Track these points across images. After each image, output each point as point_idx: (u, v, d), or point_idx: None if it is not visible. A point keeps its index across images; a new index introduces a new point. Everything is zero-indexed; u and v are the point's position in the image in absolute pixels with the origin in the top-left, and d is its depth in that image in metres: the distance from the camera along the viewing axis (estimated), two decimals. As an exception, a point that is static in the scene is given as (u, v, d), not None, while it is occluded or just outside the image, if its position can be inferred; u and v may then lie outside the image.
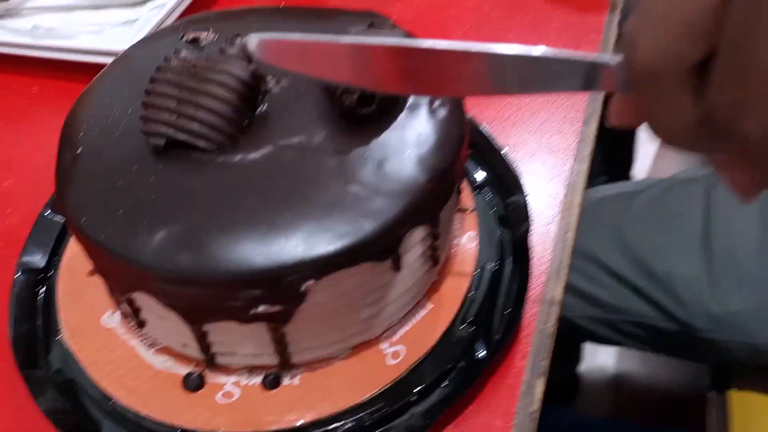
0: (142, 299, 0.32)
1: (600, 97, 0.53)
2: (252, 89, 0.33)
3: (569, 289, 0.65)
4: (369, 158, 0.32)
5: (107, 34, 0.61)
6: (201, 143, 0.32)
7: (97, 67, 0.58)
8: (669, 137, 0.22)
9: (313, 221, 0.29)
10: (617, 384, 1.09)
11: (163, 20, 0.60)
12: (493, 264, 0.38)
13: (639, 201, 0.64)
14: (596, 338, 0.68)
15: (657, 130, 0.22)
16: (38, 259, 0.41)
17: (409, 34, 0.35)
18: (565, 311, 0.66)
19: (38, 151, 0.54)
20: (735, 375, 0.63)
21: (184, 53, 0.33)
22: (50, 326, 0.38)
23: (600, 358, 1.09)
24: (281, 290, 0.29)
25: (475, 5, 0.64)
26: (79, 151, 0.33)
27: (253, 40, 0.25)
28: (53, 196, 0.44)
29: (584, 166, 0.48)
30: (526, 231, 0.38)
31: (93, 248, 0.30)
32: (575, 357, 0.97)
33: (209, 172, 0.31)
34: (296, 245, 0.29)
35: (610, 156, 1.10)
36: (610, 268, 0.62)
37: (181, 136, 0.31)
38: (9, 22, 0.63)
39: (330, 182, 0.31)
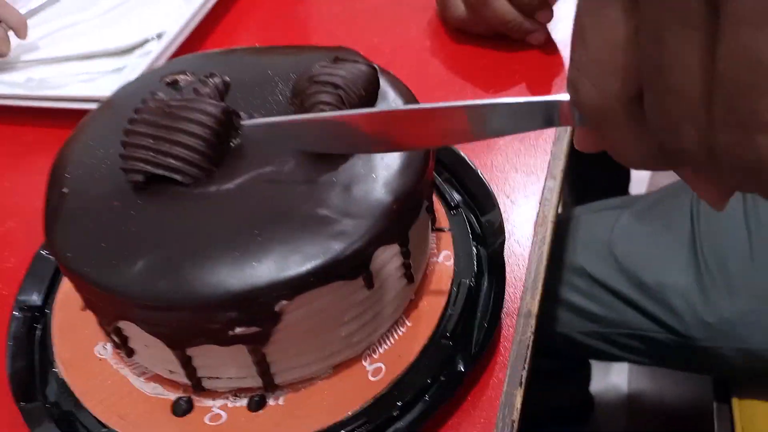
0: (128, 328, 0.33)
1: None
2: (224, 125, 0.35)
3: (564, 305, 0.67)
4: (337, 183, 0.33)
5: (98, 82, 0.64)
6: (178, 177, 0.34)
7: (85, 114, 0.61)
8: (629, 163, 0.24)
9: (284, 244, 0.31)
10: (630, 402, 1.09)
11: (149, 66, 0.63)
12: (470, 280, 0.39)
13: (628, 214, 0.66)
14: (595, 354, 0.69)
15: (617, 156, 0.24)
16: (34, 297, 0.43)
17: (375, 66, 0.37)
18: (562, 328, 0.68)
19: (34, 196, 0.56)
20: (736, 384, 0.64)
21: (160, 94, 0.35)
22: (46, 360, 0.39)
23: (612, 377, 1.09)
24: (256, 311, 0.31)
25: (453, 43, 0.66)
26: (64, 191, 0.35)
27: (247, 123, 0.32)
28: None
29: (556, 183, 0.49)
30: (501, 245, 0.40)
31: (78, 281, 0.32)
32: (584, 376, 0.97)
33: (187, 203, 0.33)
34: (268, 267, 0.30)
35: (608, 173, 1.12)
36: (602, 282, 0.63)
37: (159, 171, 0.33)
38: (4, 76, 0.66)
39: (300, 207, 0.33)
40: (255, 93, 0.39)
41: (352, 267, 0.32)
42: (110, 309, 0.32)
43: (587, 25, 0.22)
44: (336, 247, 0.31)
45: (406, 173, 0.34)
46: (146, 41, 0.67)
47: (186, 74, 0.41)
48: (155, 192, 0.34)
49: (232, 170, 0.35)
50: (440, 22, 0.68)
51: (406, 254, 0.35)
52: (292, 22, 0.76)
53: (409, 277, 0.36)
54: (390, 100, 0.38)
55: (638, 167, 0.24)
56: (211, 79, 0.37)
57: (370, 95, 0.36)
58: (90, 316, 0.39)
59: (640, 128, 0.22)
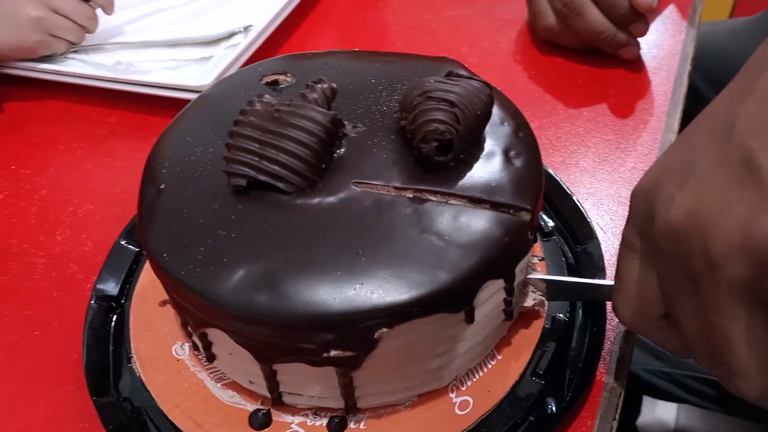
0: (215, 335, 0.32)
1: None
2: (331, 134, 0.34)
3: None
4: (445, 208, 0.32)
5: (183, 71, 0.64)
6: (281, 185, 0.32)
7: (171, 100, 0.60)
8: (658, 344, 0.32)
9: (389, 269, 0.29)
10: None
11: (236, 59, 0.62)
12: (564, 315, 0.37)
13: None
14: (656, 392, 0.66)
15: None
16: (112, 287, 0.42)
17: (486, 82, 0.35)
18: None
19: (113, 180, 0.56)
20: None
21: (267, 97, 0.34)
22: (120, 354, 0.39)
23: (659, 411, 1.05)
24: (354, 336, 0.29)
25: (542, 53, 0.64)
26: (161, 187, 0.34)
27: (534, 277, 0.36)
28: (128, 225, 0.45)
29: None
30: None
31: (172, 283, 0.31)
32: (634, 410, 0.94)
33: (287, 213, 0.32)
34: (371, 292, 0.29)
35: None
36: None
37: (263, 178, 0.32)
38: (92, 57, 0.66)
39: (406, 230, 0.31)
40: (358, 101, 0.37)
41: (457, 300, 0.30)
42: (202, 315, 0.31)
43: (623, 269, 0.31)
44: (443, 278, 0.29)
45: (521, 198, 0.32)
46: (233, 34, 0.66)
47: (286, 75, 0.40)
48: (256, 198, 0.32)
49: (335, 182, 0.33)
50: (530, 33, 0.66)
51: (509, 291, 0.33)
52: (376, 27, 0.74)
53: (508, 314, 0.34)
54: (499, 121, 0.36)
55: (664, 348, 0.32)
56: (318, 85, 0.35)
57: (485, 115, 0.34)
58: (168, 313, 0.38)
59: (665, 332, 0.31)
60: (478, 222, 0.31)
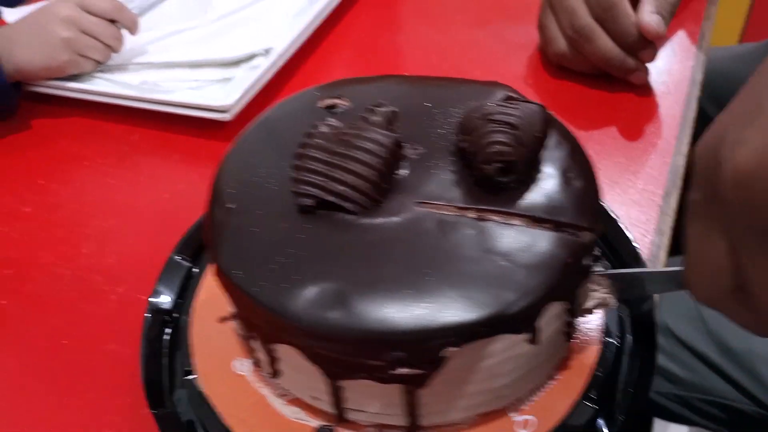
0: (283, 351, 0.32)
1: (680, 171, 0.54)
2: (394, 155, 0.34)
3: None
4: (507, 228, 0.32)
5: (205, 91, 0.65)
6: (347, 205, 0.33)
7: (194, 119, 0.61)
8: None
9: (456, 289, 0.30)
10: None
11: (257, 81, 0.63)
12: (617, 340, 0.38)
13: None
14: (668, 415, 0.67)
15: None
16: (166, 301, 0.42)
17: (542, 105, 0.37)
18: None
19: (136, 195, 0.57)
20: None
21: (332, 121, 0.35)
22: (174, 367, 0.39)
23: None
24: (422, 354, 0.29)
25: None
26: (230, 207, 0.34)
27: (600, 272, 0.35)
28: (181, 241, 0.46)
29: (665, 240, 0.48)
30: (650, 308, 0.38)
31: (244, 300, 0.31)
32: (644, 432, 0.95)
33: (353, 233, 0.32)
34: (440, 311, 0.29)
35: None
36: (687, 343, 0.61)
37: (330, 198, 0.33)
38: (117, 76, 0.67)
39: (470, 250, 0.31)
40: (415, 124, 0.38)
41: (522, 320, 0.30)
42: (273, 331, 0.31)
43: (691, 238, 0.28)
44: (509, 298, 0.30)
45: (582, 218, 0.33)
46: (253, 56, 0.67)
47: (341, 99, 0.41)
48: (322, 217, 0.33)
49: (398, 203, 0.34)
50: (541, 58, 0.67)
51: (571, 312, 0.33)
52: (391, 49, 0.76)
53: (568, 335, 0.35)
54: (555, 143, 0.37)
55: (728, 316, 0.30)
56: (380, 109, 0.36)
57: (542, 137, 0.35)
58: (227, 329, 0.39)
59: (741, 306, 0.28)
60: (541, 242, 0.32)
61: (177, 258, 0.45)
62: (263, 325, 0.32)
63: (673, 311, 0.63)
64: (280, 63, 0.66)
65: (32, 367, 0.44)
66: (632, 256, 0.41)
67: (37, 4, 0.82)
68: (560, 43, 0.61)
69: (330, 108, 0.40)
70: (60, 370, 0.43)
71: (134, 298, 0.46)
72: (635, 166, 0.55)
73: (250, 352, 0.36)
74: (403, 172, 0.35)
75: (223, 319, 0.39)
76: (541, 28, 0.64)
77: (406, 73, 0.45)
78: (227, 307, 0.38)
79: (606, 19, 0.57)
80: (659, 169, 0.54)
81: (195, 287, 0.43)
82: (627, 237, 0.42)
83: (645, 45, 0.57)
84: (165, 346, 0.40)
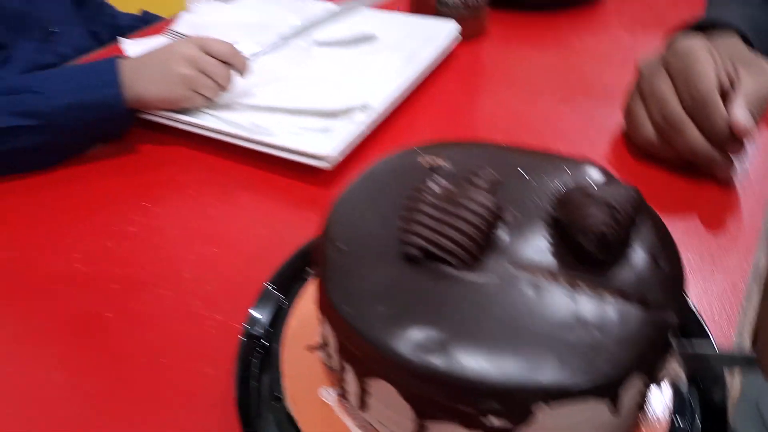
0: (378, 386, 0.35)
1: (763, 272, 0.55)
2: (495, 217, 0.37)
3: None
4: (598, 300, 0.34)
5: (305, 137, 0.68)
6: (451, 259, 0.35)
7: (293, 163, 0.65)
8: None
9: (551, 351, 0.32)
10: None
11: (354, 134, 0.67)
12: (685, 424, 0.39)
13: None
14: None
15: None
16: (259, 328, 0.45)
17: (635, 188, 0.39)
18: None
19: (235, 228, 0.61)
20: None
21: (441, 180, 0.38)
22: (261, 390, 0.42)
23: None
24: (512, 407, 0.31)
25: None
26: (342, 247, 0.38)
27: None
28: (275, 273, 0.49)
29: (744, 342, 0.48)
30: (724, 394, 0.39)
31: (351, 334, 0.34)
32: None
33: (454, 285, 0.35)
34: (535, 369, 0.31)
35: None
36: None
37: (436, 251, 0.35)
38: (223, 113, 0.72)
39: (563, 317, 0.33)
40: (513, 190, 0.41)
41: (609, 389, 0.32)
42: (373, 366, 0.34)
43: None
44: (601, 367, 0.31)
45: (667, 301, 0.35)
46: (351, 110, 0.71)
47: (443, 160, 0.44)
48: (426, 267, 0.36)
49: (496, 263, 0.36)
50: (624, 140, 0.70)
51: (648, 385, 0.35)
52: (476, 113, 0.80)
53: (641, 407, 0.36)
54: (644, 224, 0.39)
55: None
56: (484, 173, 0.39)
57: (634, 217, 0.37)
58: (314, 358, 0.42)
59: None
60: (629, 318, 0.33)
61: (270, 288, 0.48)
62: (365, 359, 0.34)
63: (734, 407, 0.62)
64: (377, 119, 0.70)
65: (131, 380, 0.47)
66: (704, 338, 0.43)
67: (155, 38, 0.89)
68: (648, 130, 0.63)
69: (432, 168, 0.43)
70: (156, 385, 0.46)
71: (229, 325, 0.49)
72: (714, 258, 0.55)
73: (337, 382, 0.39)
74: (501, 234, 0.38)
75: (312, 348, 0.42)
76: (629, 112, 0.66)
77: (491, 138, 0.48)
78: (315, 336, 0.42)
79: (697, 112, 0.59)
80: (739, 265, 0.55)
81: (285, 316, 0.46)
82: (701, 323, 0.44)
83: (733, 141, 0.59)
84: (256, 370, 0.43)
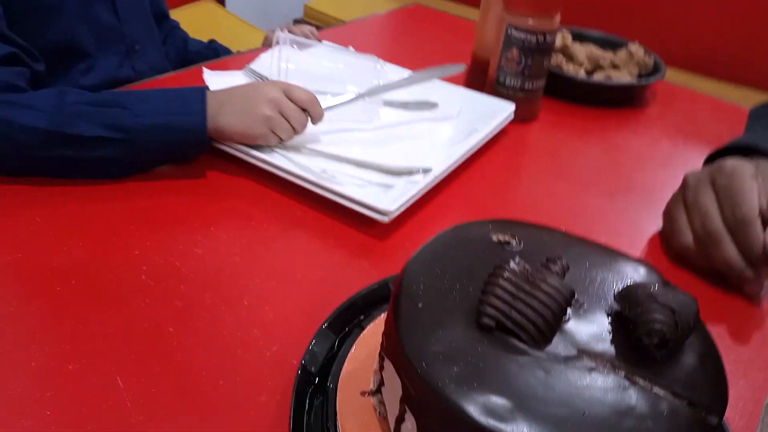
0: (437, 439, 0.38)
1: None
2: (567, 302, 0.40)
3: None
4: (650, 394, 0.37)
5: (367, 190, 0.73)
6: (522, 335, 0.39)
7: (354, 213, 0.69)
8: None
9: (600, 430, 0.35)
10: None
11: (412, 193, 0.71)
12: None
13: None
14: None
15: None
16: (315, 366, 0.49)
17: (694, 298, 0.43)
18: None
19: (294, 265, 0.64)
20: None
21: (520, 261, 0.41)
22: (312, 424, 0.45)
23: None
24: None
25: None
26: (419, 306, 0.41)
27: None
28: (332, 315, 0.53)
29: None
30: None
31: (424, 388, 0.37)
32: None
33: (523, 360, 0.38)
34: None
35: None
36: None
37: (509, 324, 0.39)
38: (292, 155, 0.76)
39: (618, 404, 0.36)
40: (578, 279, 0.44)
41: None
42: (443, 422, 0.37)
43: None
44: None
45: (713, 404, 0.38)
46: (413, 171, 0.75)
47: (514, 238, 0.48)
48: (497, 338, 0.39)
49: (562, 345, 0.39)
50: (660, 241, 0.73)
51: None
52: (520, 191, 0.84)
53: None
54: (696, 334, 0.42)
55: None
56: (559, 260, 0.43)
57: (693, 325, 0.40)
58: (367, 403, 0.45)
59: None
60: (677, 414, 0.36)
61: (326, 329, 0.51)
62: (433, 414, 0.37)
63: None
64: (432, 182, 0.75)
65: (188, 396, 0.49)
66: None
67: (234, 73, 0.94)
68: (687, 238, 0.67)
69: (503, 243, 0.47)
70: (211, 404, 0.49)
71: (285, 359, 0.52)
72: (738, 368, 0.58)
73: (388, 430, 0.41)
74: (567, 319, 0.41)
75: (364, 393, 0.45)
76: (669, 217, 0.70)
77: (531, 218, 0.52)
78: (368, 383, 0.46)
79: (737, 230, 0.63)
80: (763, 377, 0.57)
81: (340, 358, 0.49)
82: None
83: (767, 263, 0.62)
84: (309, 406, 0.46)
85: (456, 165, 0.79)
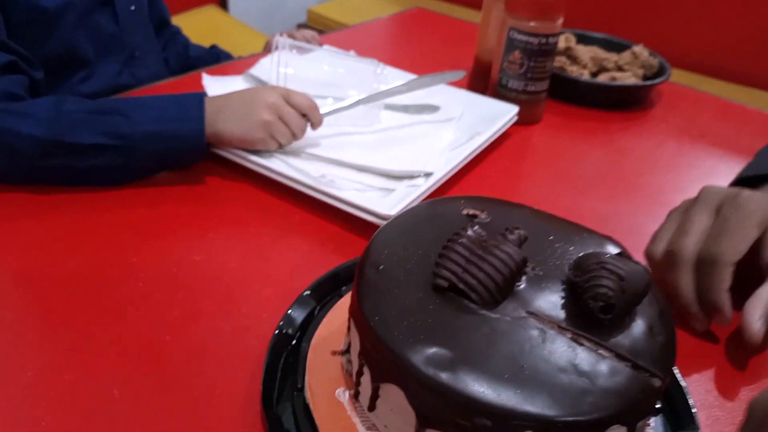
0: (389, 391, 0.39)
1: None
2: (519, 269, 0.42)
3: None
4: (595, 355, 0.39)
5: (368, 195, 0.70)
6: (473, 296, 0.40)
7: (354, 217, 0.68)
8: None
9: (544, 388, 0.36)
10: None
11: (413, 197, 0.70)
12: None
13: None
14: None
15: None
16: (290, 329, 0.52)
17: (647, 268, 0.43)
18: None
19: (291, 273, 0.62)
20: None
21: (477, 228, 0.43)
22: (285, 383, 0.48)
23: None
24: (505, 428, 0.35)
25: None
26: (380, 268, 0.43)
27: None
28: (314, 283, 0.56)
29: None
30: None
31: (376, 342, 0.39)
32: None
33: (472, 318, 0.40)
34: (527, 399, 0.35)
35: None
36: None
37: (462, 286, 0.40)
38: (291, 160, 0.76)
39: (562, 362, 0.38)
40: (539, 250, 0.46)
41: (589, 429, 0.36)
42: (389, 371, 0.39)
43: None
44: (585, 410, 0.35)
45: (657, 365, 0.38)
46: (413, 176, 0.75)
47: (483, 212, 0.49)
48: (450, 298, 0.41)
49: (512, 307, 0.41)
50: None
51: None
52: (518, 197, 0.82)
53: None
54: (648, 302, 0.43)
55: None
56: (516, 230, 0.44)
57: (642, 294, 0.42)
58: (336, 362, 0.47)
59: None
60: (619, 374, 0.37)
61: (307, 296, 0.55)
62: (383, 364, 0.39)
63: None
64: (433, 186, 0.74)
65: (185, 406, 0.48)
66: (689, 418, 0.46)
67: (234, 78, 0.94)
68: (657, 248, 0.60)
69: (472, 217, 0.48)
70: (207, 414, 0.47)
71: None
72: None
73: (353, 386, 0.44)
74: (521, 284, 0.43)
75: (335, 353, 0.48)
76: (664, 221, 0.62)
77: None
78: (341, 345, 0.48)
79: (705, 266, 0.55)
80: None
81: (316, 323, 0.52)
82: (689, 405, 0.48)
83: (720, 311, 0.55)
84: (282, 365, 0.49)
85: (458, 169, 0.78)
